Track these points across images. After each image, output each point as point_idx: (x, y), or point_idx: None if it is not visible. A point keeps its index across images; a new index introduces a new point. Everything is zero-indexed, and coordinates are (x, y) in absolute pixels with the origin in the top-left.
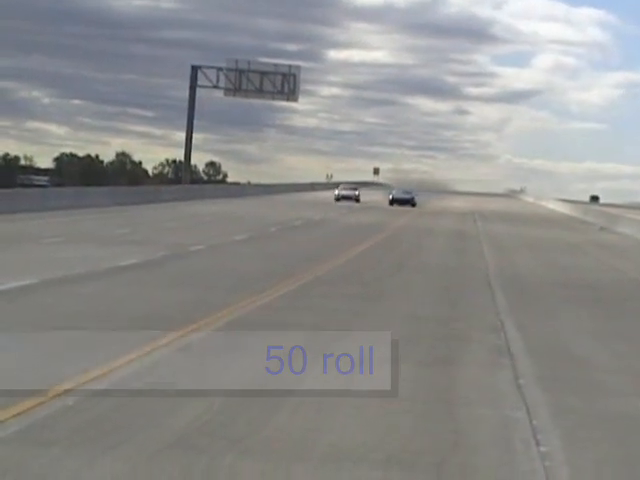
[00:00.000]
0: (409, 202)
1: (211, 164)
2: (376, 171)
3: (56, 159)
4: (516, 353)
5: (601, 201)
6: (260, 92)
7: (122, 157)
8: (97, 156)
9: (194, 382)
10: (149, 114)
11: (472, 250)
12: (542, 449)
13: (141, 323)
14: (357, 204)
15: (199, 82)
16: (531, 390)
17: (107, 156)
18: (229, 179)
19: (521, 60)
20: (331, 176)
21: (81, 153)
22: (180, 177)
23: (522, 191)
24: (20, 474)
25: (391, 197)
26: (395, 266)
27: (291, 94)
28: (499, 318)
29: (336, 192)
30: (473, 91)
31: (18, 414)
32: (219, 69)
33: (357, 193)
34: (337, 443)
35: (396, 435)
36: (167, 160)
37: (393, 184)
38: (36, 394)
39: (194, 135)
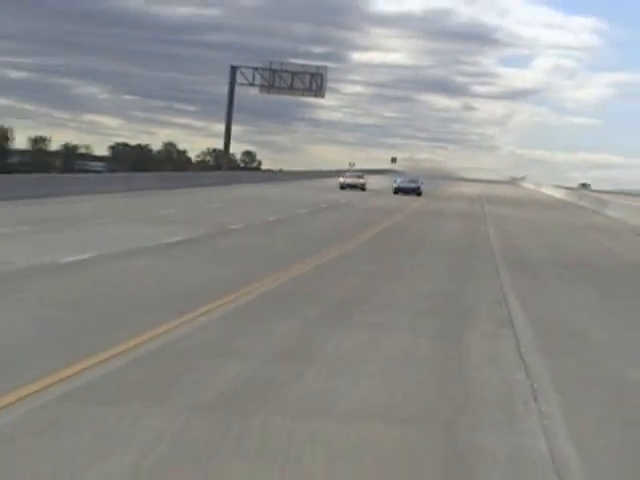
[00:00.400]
0: (414, 191)
1: (247, 153)
2: (394, 160)
3: (111, 147)
4: (517, 324)
5: (592, 188)
6: (291, 89)
7: (169, 146)
8: (147, 145)
9: (236, 344)
10: (192, 108)
11: (480, 231)
12: (542, 409)
13: (185, 293)
14: (373, 190)
15: (237, 80)
16: (531, 357)
17: (155, 145)
18: (263, 166)
19: (523, 62)
20: (353, 164)
21: (132, 142)
22: (220, 164)
23: (523, 179)
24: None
25: (395, 186)
26: (412, 243)
27: (318, 91)
28: (503, 292)
29: (340, 180)
30: (479, 89)
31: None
32: (255, 69)
33: (362, 181)
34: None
35: (413, 395)
36: (208, 149)
37: (408, 171)
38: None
39: (232, 127)
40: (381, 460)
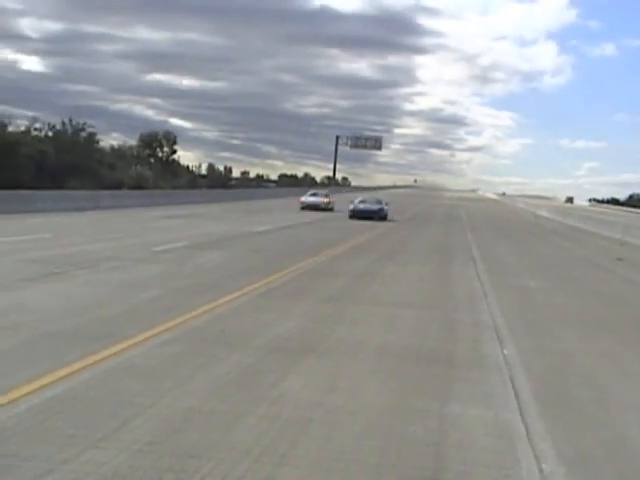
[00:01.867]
0: (376, 214)
1: (344, 178)
2: (415, 180)
3: (278, 176)
4: (476, 259)
5: (507, 194)
6: (365, 147)
7: (306, 176)
8: (295, 175)
9: (337, 268)
10: (317, 156)
11: (457, 213)
12: (488, 299)
13: (313, 246)
14: (397, 194)
15: (339, 143)
16: (483, 275)
17: (300, 174)
18: (352, 184)
19: (477, 133)
20: (395, 183)
21: (289, 173)
22: (330, 183)
23: (477, 190)
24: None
25: (352, 207)
26: (425, 219)
27: (378, 147)
28: (468, 242)
29: (302, 199)
30: (457, 146)
31: (262, 284)
32: (348, 137)
33: (326, 200)
34: (398, 297)
35: (425, 295)
36: (325, 176)
37: (423, 186)
38: (256, 281)
39: (336, 165)
40: (407, 324)
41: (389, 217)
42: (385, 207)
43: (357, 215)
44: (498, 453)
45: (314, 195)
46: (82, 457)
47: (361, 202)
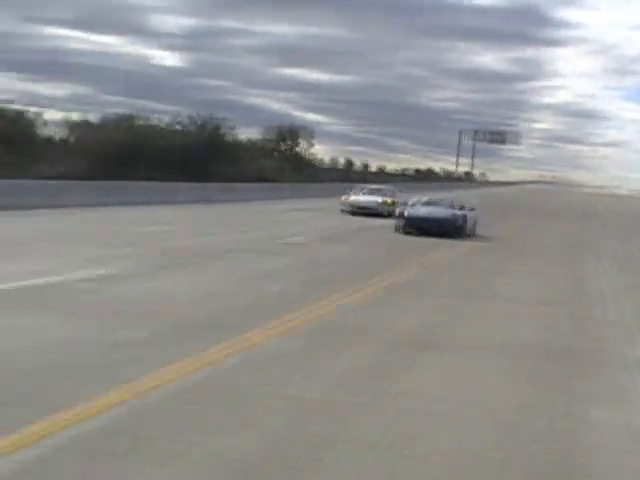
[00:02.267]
0: (447, 227)
1: (482, 173)
2: (553, 177)
3: (415, 170)
4: (605, 256)
5: None
6: (500, 141)
7: (429, 170)
8: (430, 169)
9: (464, 263)
10: (442, 150)
11: (594, 208)
12: (620, 297)
13: (414, 249)
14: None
15: (463, 137)
16: (615, 273)
17: (433, 169)
18: (491, 179)
19: (617, 127)
20: (526, 178)
21: (420, 167)
22: (469, 179)
23: (618, 187)
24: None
25: (406, 214)
26: (560, 214)
27: (515, 142)
28: (603, 239)
29: (350, 198)
30: (595, 141)
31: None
32: (484, 132)
33: (389, 200)
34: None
35: (557, 292)
36: (464, 171)
37: (559, 182)
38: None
39: (461, 160)
40: (538, 320)
41: (486, 233)
42: (458, 213)
43: (414, 225)
44: (632, 455)
45: (371, 193)
46: (210, 443)
47: (424, 204)
